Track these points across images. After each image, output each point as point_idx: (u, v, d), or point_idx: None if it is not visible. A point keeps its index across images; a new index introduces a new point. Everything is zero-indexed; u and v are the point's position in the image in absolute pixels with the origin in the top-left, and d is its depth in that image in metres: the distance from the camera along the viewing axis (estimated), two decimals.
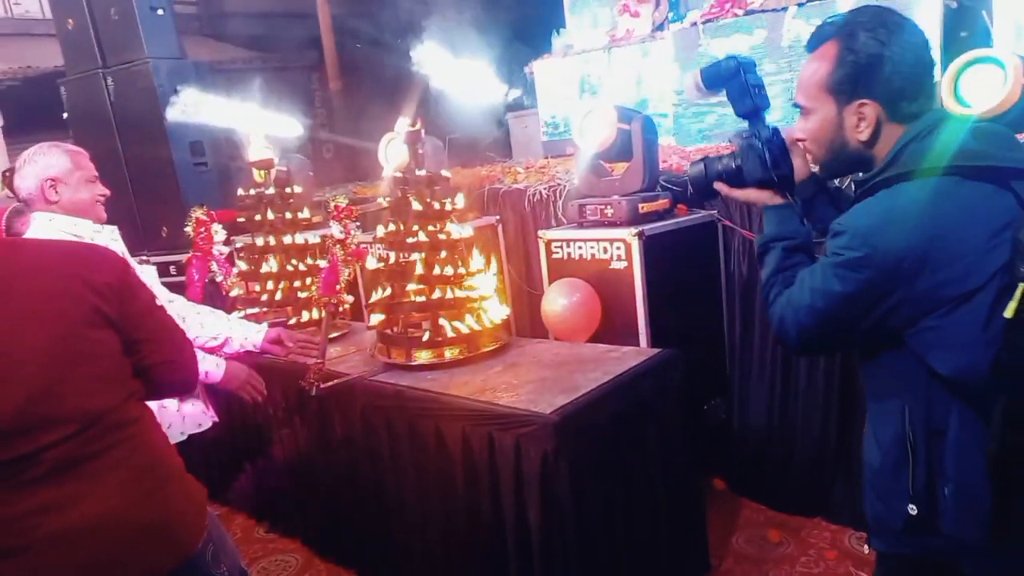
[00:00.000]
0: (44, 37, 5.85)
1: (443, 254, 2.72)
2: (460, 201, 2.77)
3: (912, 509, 1.28)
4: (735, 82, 1.57)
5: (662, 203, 3.16)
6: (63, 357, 1.35)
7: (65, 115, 5.37)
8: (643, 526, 2.43)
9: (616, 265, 3.03)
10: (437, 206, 2.71)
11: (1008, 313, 1.10)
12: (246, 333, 2.61)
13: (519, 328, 3.82)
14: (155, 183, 4.96)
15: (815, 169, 1.57)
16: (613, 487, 2.34)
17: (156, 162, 4.89)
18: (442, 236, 2.71)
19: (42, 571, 1.34)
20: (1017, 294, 1.10)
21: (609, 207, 3.10)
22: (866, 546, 1.46)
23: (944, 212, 1.18)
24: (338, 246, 2.62)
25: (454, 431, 2.38)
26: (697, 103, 3.84)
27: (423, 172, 2.71)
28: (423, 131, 2.79)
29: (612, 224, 3.09)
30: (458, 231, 2.75)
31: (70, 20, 5.11)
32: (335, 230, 2.58)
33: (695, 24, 3.90)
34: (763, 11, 3.63)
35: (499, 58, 4.30)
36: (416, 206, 2.69)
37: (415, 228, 2.72)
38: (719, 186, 1.62)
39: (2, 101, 8.75)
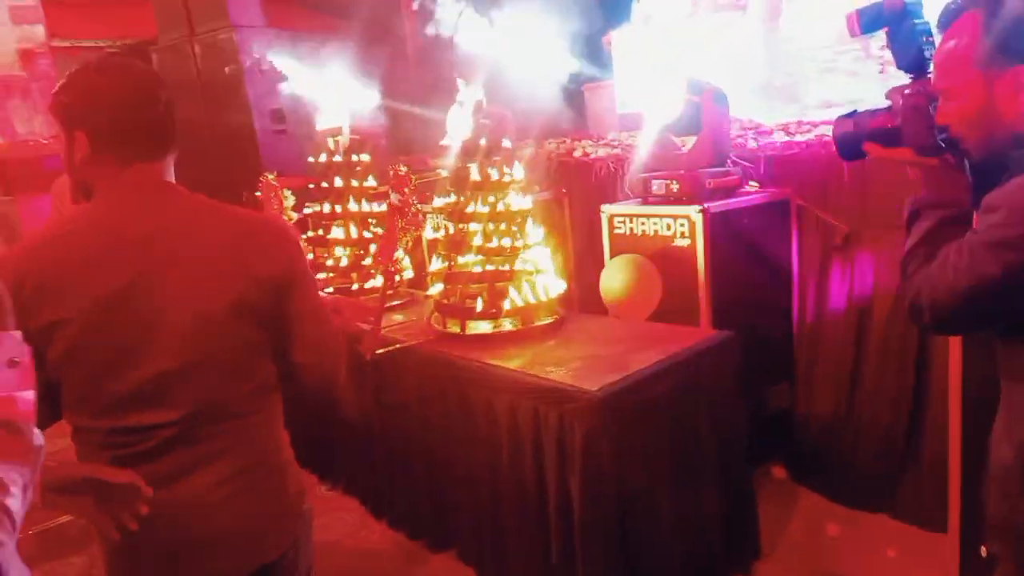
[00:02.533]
0: (142, 5, 6.10)
1: (501, 225, 2.71)
2: (519, 172, 2.74)
3: None
4: (901, 26, 1.40)
5: (731, 180, 3.04)
6: (200, 344, 1.32)
7: None
8: (690, 508, 2.39)
9: (680, 242, 2.95)
10: (496, 177, 2.70)
11: None
12: None
13: (582, 304, 3.78)
14: (237, 149, 5.13)
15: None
16: (660, 467, 2.30)
17: (238, 128, 5.05)
18: (500, 207, 2.70)
19: (136, 538, 1.35)
20: None
21: (675, 182, 3.01)
22: (983, 548, 1.36)
23: None
24: (396, 214, 2.64)
25: (502, 402, 2.39)
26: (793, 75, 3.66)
27: (484, 142, 2.70)
28: (485, 101, 2.77)
29: (677, 200, 3.00)
30: (517, 203, 2.73)
31: None
32: (393, 198, 2.60)
33: None
34: None
35: (577, 28, 4.21)
36: (475, 176, 2.68)
37: (474, 198, 2.72)
38: (871, 147, 1.47)
39: None
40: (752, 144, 3.34)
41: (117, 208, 1.35)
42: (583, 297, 3.77)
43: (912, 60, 1.41)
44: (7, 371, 0.89)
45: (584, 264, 3.84)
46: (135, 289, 1.29)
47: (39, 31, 7.49)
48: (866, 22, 1.47)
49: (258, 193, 3.34)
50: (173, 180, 1.43)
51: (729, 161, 3.15)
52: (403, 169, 2.70)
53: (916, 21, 1.41)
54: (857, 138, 1.48)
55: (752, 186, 3.16)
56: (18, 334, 0.91)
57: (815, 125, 3.16)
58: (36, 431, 0.91)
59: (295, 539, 1.51)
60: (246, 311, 1.35)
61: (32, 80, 7.55)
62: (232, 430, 1.39)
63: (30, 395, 0.90)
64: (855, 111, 1.49)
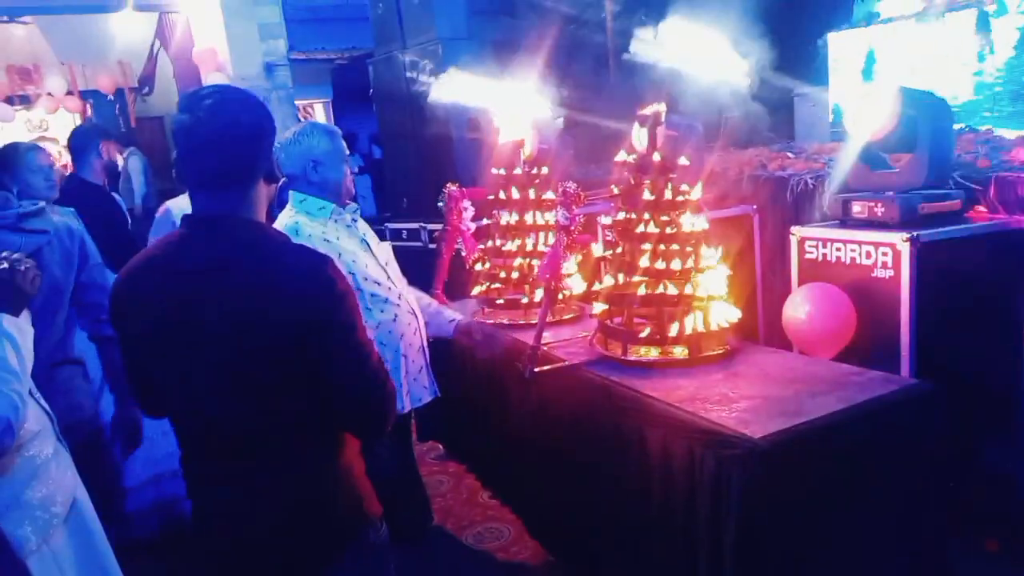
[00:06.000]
0: (367, 20, 6.58)
1: (672, 247, 2.55)
2: (697, 192, 2.56)
3: None
4: None
5: (951, 204, 2.64)
6: (225, 382, 1.44)
7: (371, 91, 6.00)
8: None
9: (880, 273, 2.61)
10: (670, 195, 2.54)
11: None
12: (440, 323, 2.77)
13: (767, 334, 3.48)
14: (438, 157, 5.35)
15: None
16: (834, 534, 2.03)
17: (438, 137, 5.27)
18: (671, 229, 2.53)
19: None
20: None
21: (880, 205, 2.67)
22: None
23: None
24: (562, 232, 2.58)
25: (655, 437, 2.23)
26: None
27: (658, 158, 2.55)
28: (673, 113, 2.61)
29: (881, 225, 2.65)
30: (690, 223, 2.55)
31: (380, 4, 5.66)
32: (560, 215, 2.54)
33: None
34: None
35: (792, 31, 3.91)
36: (647, 195, 2.54)
37: (645, 218, 2.58)
38: None
39: (333, 78, 10.09)
40: (983, 162, 2.88)
41: (182, 237, 1.43)
42: (768, 326, 3.47)
43: None
44: None
45: (771, 290, 3.54)
46: (177, 321, 1.38)
47: (281, 45, 8.31)
48: None
49: (440, 203, 3.43)
50: (254, 208, 1.44)
51: (951, 182, 2.74)
52: (572, 186, 2.63)
53: None
54: None
55: (978, 212, 2.72)
56: None
57: None
58: None
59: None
60: (264, 354, 1.37)
61: (273, 89, 8.41)
62: (268, 455, 1.44)
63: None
64: None
